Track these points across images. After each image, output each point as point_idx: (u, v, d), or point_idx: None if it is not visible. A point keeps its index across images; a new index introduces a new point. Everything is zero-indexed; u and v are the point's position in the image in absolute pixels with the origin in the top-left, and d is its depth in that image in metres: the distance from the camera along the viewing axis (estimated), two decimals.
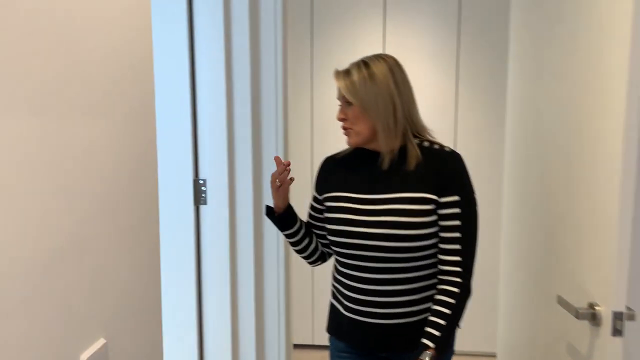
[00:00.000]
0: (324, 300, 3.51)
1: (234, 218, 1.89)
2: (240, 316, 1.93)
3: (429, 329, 1.34)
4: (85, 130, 2.09)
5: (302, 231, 1.56)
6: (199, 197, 1.85)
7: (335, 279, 1.53)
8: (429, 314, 1.39)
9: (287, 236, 1.58)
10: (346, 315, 1.48)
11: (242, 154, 1.86)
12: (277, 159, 1.49)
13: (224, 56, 1.78)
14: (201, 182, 1.84)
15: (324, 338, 3.52)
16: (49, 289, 1.87)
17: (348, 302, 1.46)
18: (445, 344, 1.34)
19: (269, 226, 1.94)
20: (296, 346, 3.54)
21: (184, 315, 1.87)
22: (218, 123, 1.81)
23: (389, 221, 1.35)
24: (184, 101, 1.78)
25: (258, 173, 1.91)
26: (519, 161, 2.18)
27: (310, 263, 1.64)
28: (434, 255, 1.41)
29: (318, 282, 3.56)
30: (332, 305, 1.58)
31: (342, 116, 1.44)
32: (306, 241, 1.58)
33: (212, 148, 1.83)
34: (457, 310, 1.34)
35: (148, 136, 2.54)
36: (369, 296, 1.41)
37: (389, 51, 3.27)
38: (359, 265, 1.41)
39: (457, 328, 1.38)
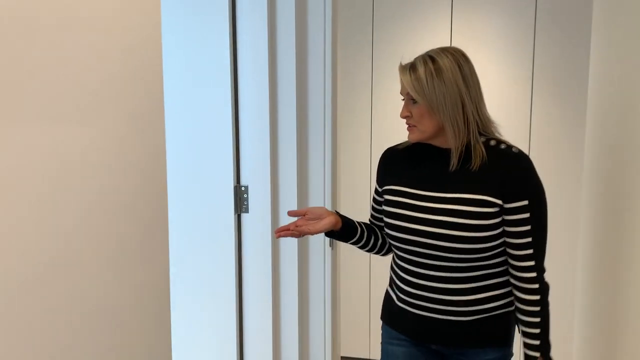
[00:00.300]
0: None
1: (276, 227, 1.76)
2: (283, 330, 1.82)
3: (527, 340, 1.37)
4: (78, 136, 1.94)
5: (365, 235, 1.54)
6: (241, 204, 1.74)
7: (392, 268, 1.53)
8: (483, 314, 1.40)
9: (352, 244, 1.56)
10: (398, 305, 1.48)
11: (286, 159, 1.74)
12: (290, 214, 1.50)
13: (268, 53, 1.66)
14: (243, 188, 1.73)
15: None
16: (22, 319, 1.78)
17: (400, 293, 1.46)
18: (548, 347, 1.37)
19: (314, 236, 1.81)
20: None
21: (223, 329, 1.77)
22: (261, 126, 1.70)
23: (446, 221, 1.33)
24: (225, 103, 1.68)
25: (303, 179, 1.78)
26: (602, 170, 1.93)
27: (381, 255, 1.63)
28: (492, 257, 1.37)
29: (375, 293, 3.40)
30: (387, 293, 1.57)
31: (407, 113, 1.39)
32: (372, 240, 1.56)
33: (254, 152, 1.71)
34: (545, 313, 1.37)
35: (155, 141, 2.27)
36: (420, 290, 1.41)
37: (456, 43, 3.03)
38: (413, 260, 1.41)
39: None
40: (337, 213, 1.51)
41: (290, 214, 1.47)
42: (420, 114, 1.35)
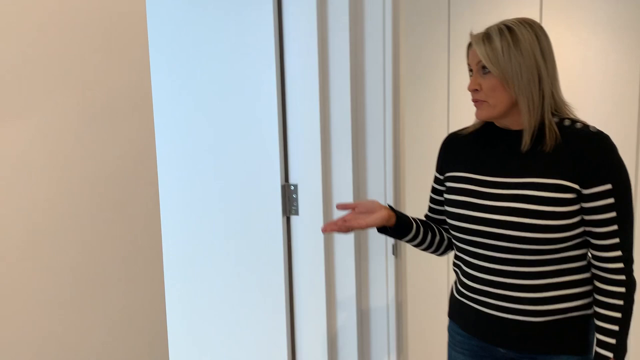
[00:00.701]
0: None
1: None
2: (340, 347, 1.61)
3: (601, 337, 1.25)
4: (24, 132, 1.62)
5: (422, 231, 1.45)
6: (290, 205, 1.54)
7: (454, 263, 1.45)
8: (557, 314, 1.28)
9: (407, 241, 1.46)
10: (463, 302, 1.40)
11: (339, 153, 1.52)
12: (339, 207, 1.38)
13: (317, 31, 1.45)
14: (292, 188, 1.53)
15: None
16: None
17: (464, 289, 1.38)
18: (623, 350, 1.25)
19: (375, 240, 1.59)
20: None
21: (272, 346, 1.58)
22: (310, 117, 1.49)
23: (517, 208, 1.24)
24: (270, 93, 1.49)
25: (361, 175, 1.56)
26: None
27: (438, 255, 1.54)
28: (566, 250, 1.26)
29: None
30: (452, 288, 1.49)
31: (476, 87, 1.29)
32: (429, 237, 1.46)
33: (304, 147, 1.51)
34: (629, 310, 1.25)
35: (141, 135, 1.92)
36: (484, 286, 1.32)
37: (548, 22, 2.66)
38: (477, 253, 1.32)
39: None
40: (391, 207, 1.41)
41: (339, 207, 1.37)
42: (491, 86, 1.26)
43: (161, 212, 1.61)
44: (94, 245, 1.98)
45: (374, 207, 1.35)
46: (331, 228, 1.32)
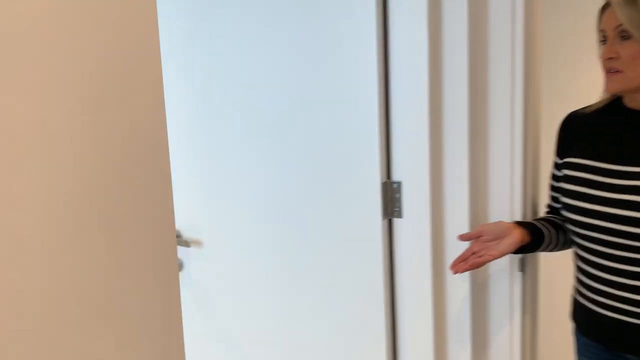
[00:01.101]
0: None
1: (440, 237, 1.30)
2: None
3: None
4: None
5: (554, 234, 1.33)
6: (392, 206, 1.31)
7: (573, 258, 1.35)
8: None
9: (540, 250, 1.35)
10: (577, 299, 1.31)
11: (453, 143, 1.28)
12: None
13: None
14: (395, 185, 1.30)
15: None
16: None
17: (581, 286, 1.29)
18: None
19: None
20: None
21: None
22: (417, 101, 1.27)
23: (635, 202, 1.14)
24: (369, 68, 1.28)
25: (481, 170, 1.30)
26: None
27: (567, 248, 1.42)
28: None
29: None
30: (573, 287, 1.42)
31: (612, 54, 1.15)
32: (561, 238, 1.34)
33: (409, 135, 1.28)
34: None
35: (147, 120, 1.72)
36: (602, 285, 1.23)
37: None
38: (594, 249, 1.23)
39: None
40: (518, 223, 1.28)
41: (462, 238, 1.27)
42: (632, 54, 1.13)
43: (240, 214, 1.45)
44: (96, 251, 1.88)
45: (501, 230, 1.24)
46: (463, 268, 1.22)
